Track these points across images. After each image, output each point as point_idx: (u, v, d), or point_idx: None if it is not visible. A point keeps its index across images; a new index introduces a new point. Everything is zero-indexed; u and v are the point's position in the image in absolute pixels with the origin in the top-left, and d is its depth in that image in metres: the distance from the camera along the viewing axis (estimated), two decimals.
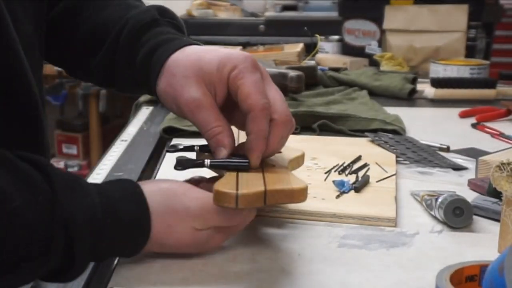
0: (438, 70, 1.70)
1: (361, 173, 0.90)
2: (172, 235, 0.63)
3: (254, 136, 0.65)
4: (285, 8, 2.69)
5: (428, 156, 1.02)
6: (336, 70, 1.73)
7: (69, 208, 0.56)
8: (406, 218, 0.77)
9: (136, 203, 0.61)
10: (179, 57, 0.70)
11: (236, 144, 0.70)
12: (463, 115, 1.36)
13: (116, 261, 0.65)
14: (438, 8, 1.97)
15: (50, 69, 2.70)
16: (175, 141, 1.11)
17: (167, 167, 0.97)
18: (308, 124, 1.21)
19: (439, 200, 0.75)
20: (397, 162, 0.99)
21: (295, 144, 1.05)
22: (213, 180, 0.67)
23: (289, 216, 0.76)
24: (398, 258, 0.66)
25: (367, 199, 0.81)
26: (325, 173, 0.90)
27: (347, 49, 2.11)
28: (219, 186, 0.60)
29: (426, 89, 1.58)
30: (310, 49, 2.00)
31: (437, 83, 1.57)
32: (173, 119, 1.20)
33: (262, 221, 0.75)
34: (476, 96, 1.54)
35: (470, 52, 1.98)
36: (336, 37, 2.13)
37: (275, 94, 0.68)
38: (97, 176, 0.93)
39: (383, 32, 2.04)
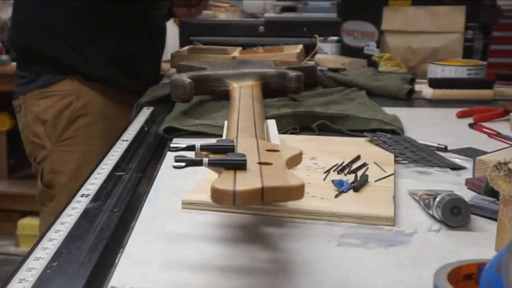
0: (436, 70, 1.70)
1: (360, 173, 0.90)
2: None
3: None
4: (285, 9, 2.69)
5: (426, 156, 1.02)
6: (335, 70, 1.73)
7: None
8: (404, 217, 0.77)
9: None
10: None
11: (235, 142, 0.70)
12: (460, 115, 1.36)
13: (117, 260, 0.65)
14: (436, 9, 1.97)
15: None
16: (175, 141, 1.11)
17: (167, 166, 0.98)
18: (307, 124, 1.21)
19: (437, 199, 0.75)
20: (396, 161, 0.99)
21: (295, 143, 1.05)
22: None
23: (288, 215, 0.76)
24: (397, 257, 0.66)
25: (365, 199, 0.81)
26: (324, 172, 0.90)
27: (346, 50, 2.11)
28: (216, 183, 0.60)
29: (424, 89, 1.58)
30: (309, 50, 2.00)
31: (435, 83, 1.57)
32: (173, 119, 1.20)
33: (262, 220, 0.75)
34: (474, 97, 1.54)
35: (468, 53, 1.98)
36: (335, 38, 2.13)
37: None
38: (99, 175, 0.93)
39: (381, 33, 2.04)
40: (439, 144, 1.08)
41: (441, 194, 0.75)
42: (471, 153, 1.03)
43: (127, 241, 0.70)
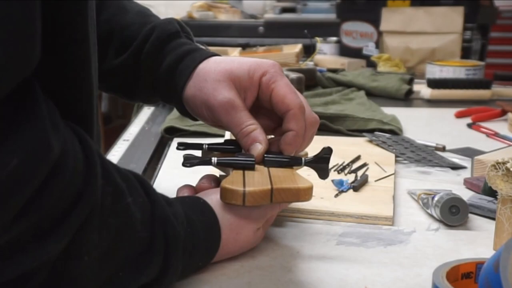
0: (434, 71, 1.71)
1: (360, 173, 0.90)
2: (238, 241, 0.63)
3: (295, 133, 0.67)
4: (284, 10, 2.69)
5: (427, 156, 1.02)
6: (334, 71, 1.73)
7: (165, 211, 0.56)
8: (403, 216, 0.77)
9: (207, 214, 0.62)
10: (209, 64, 0.71)
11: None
12: (458, 115, 1.36)
13: None
14: (434, 10, 1.97)
15: None
16: (176, 140, 1.11)
17: (168, 166, 0.97)
18: None
19: (436, 198, 0.75)
20: (397, 161, 0.99)
21: None
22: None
23: (289, 215, 0.76)
24: (396, 256, 0.66)
25: (365, 198, 0.81)
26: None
27: (344, 51, 2.12)
28: (226, 183, 0.60)
29: (422, 89, 1.58)
30: (309, 51, 2.00)
31: (433, 83, 1.57)
32: (174, 119, 1.20)
33: None
34: (472, 97, 1.54)
35: (466, 53, 1.99)
36: (334, 38, 2.13)
37: (301, 96, 0.71)
38: None
39: (380, 33, 2.04)
40: (437, 144, 1.08)
41: (439, 194, 0.75)
42: (469, 152, 1.04)
43: None
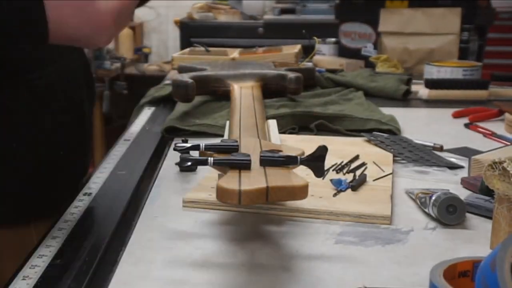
0: (432, 71, 1.70)
1: (358, 172, 0.90)
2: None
3: None
4: (283, 11, 2.69)
5: (424, 156, 1.02)
6: (333, 71, 1.73)
7: None
8: (401, 215, 0.78)
9: None
10: None
11: (239, 142, 0.70)
12: (456, 116, 1.36)
13: (119, 258, 0.65)
14: (432, 11, 1.97)
15: None
16: (176, 140, 1.11)
17: (168, 165, 0.98)
18: (306, 124, 1.21)
19: (433, 198, 0.75)
20: (395, 161, 0.99)
21: (295, 143, 1.05)
22: None
23: (287, 214, 0.76)
24: (393, 255, 0.67)
25: (363, 198, 0.81)
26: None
27: (343, 51, 2.11)
28: (222, 183, 0.60)
29: (420, 90, 1.58)
30: (308, 51, 2.00)
31: (431, 84, 1.57)
32: (174, 119, 1.20)
33: (261, 218, 0.76)
34: (469, 97, 1.54)
35: (463, 54, 1.98)
36: (333, 39, 2.13)
37: None
38: (101, 174, 0.93)
39: (378, 34, 2.04)
40: (435, 144, 1.08)
41: (437, 193, 0.75)
42: (466, 152, 1.04)
43: (129, 239, 0.70)
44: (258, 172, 0.64)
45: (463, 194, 0.81)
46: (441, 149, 1.07)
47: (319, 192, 0.81)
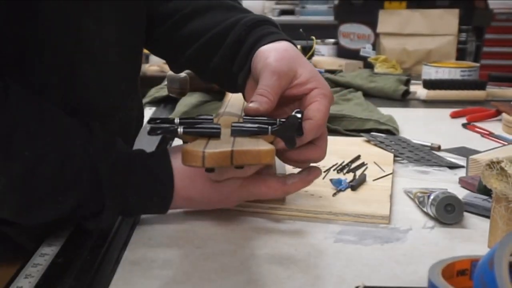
0: (430, 72, 1.71)
1: (358, 172, 0.90)
2: (195, 187, 0.68)
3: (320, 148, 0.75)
4: (283, 12, 2.70)
5: (425, 156, 1.02)
6: (332, 72, 1.73)
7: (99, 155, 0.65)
8: (399, 214, 0.77)
9: (158, 158, 0.68)
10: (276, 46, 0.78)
11: (217, 119, 0.71)
12: (454, 116, 1.36)
13: (120, 257, 0.65)
14: (430, 12, 1.97)
15: None
16: (176, 140, 1.11)
17: None
18: None
19: (431, 197, 0.75)
20: (395, 161, 0.99)
21: None
22: None
23: (287, 213, 0.76)
24: (392, 253, 0.67)
25: (362, 197, 0.81)
26: (324, 171, 0.90)
27: (342, 52, 2.12)
28: (187, 146, 0.60)
29: (418, 90, 1.58)
30: (306, 51, 2.00)
31: (429, 84, 1.57)
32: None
33: (261, 218, 0.76)
34: (467, 97, 1.54)
35: (461, 54, 1.99)
36: (332, 40, 2.14)
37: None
38: None
39: (377, 35, 2.04)
40: (432, 144, 1.08)
41: (435, 192, 0.75)
42: (464, 152, 1.04)
43: (130, 238, 0.70)
44: (226, 139, 0.64)
45: (461, 193, 0.80)
46: (438, 149, 1.07)
47: (319, 192, 0.81)
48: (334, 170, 0.91)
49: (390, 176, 0.89)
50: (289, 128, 0.67)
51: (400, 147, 1.05)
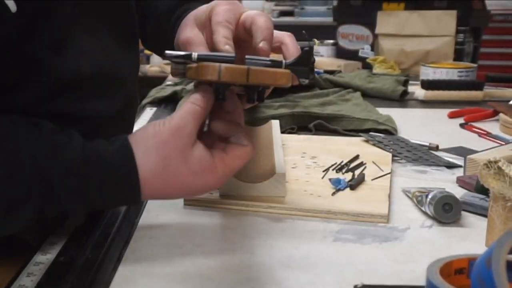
0: (428, 72, 1.71)
1: (357, 172, 0.90)
2: (169, 168, 0.62)
3: (262, 27, 0.70)
4: (282, 13, 2.70)
5: (423, 155, 1.02)
6: (331, 72, 1.73)
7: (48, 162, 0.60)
8: (398, 213, 0.77)
9: (118, 151, 0.62)
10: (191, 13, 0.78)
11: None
12: (452, 116, 1.36)
13: (121, 255, 0.65)
14: (428, 13, 1.97)
15: None
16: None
17: None
18: (304, 124, 1.21)
19: (429, 196, 0.75)
20: (394, 161, 0.99)
21: (297, 143, 1.05)
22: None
23: (286, 213, 0.76)
24: (391, 252, 0.67)
25: (361, 197, 0.81)
26: (323, 171, 0.90)
27: (341, 53, 2.12)
28: (203, 62, 0.60)
29: (416, 90, 1.58)
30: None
31: (427, 85, 1.57)
32: None
33: (261, 217, 0.76)
34: (464, 98, 1.54)
35: (459, 55, 1.99)
36: (331, 41, 2.13)
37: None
38: None
39: (375, 36, 2.04)
40: (430, 143, 1.08)
41: (433, 192, 0.75)
42: (462, 152, 1.04)
43: (131, 237, 0.70)
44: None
45: (459, 192, 0.80)
46: (436, 148, 1.07)
47: (318, 191, 0.81)
48: (333, 169, 0.91)
49: (389, 175, 0.89)
50: (302, 62, 0.67)
51: (399, 147, 1.05)
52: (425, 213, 0.77)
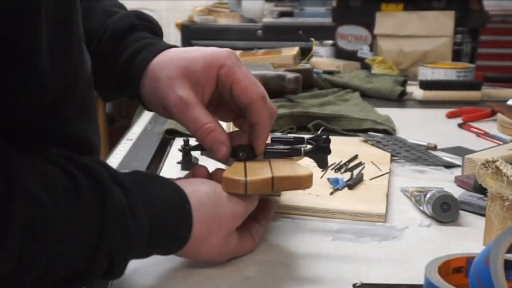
0: (427, 73, 1.70)
1: (355, 171, 0.90)
2: (207, 243, 0.60)
3: (261, 125, 0.64)
4: (282, 14, 2.69)
5: (422, 155, 1.02)
6: (330, 73, 1.73)
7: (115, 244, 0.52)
8: (396, 213, 0.77)
9: (181, 221, 0.59)
10: (162, 60, 0.66)
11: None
12: (450, 116, 1.36)
13: None
14: (426, 14, 1.97)
15: None
16: (177, 140, 1.11)
17: (170, 164, 0.97)
18: (304, 124, 1.21)
19: (428, 196, 0.75)
20: (392, 160, 0.99)
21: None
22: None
23: (286, 212, 0.76)
24: (389, 251, 0.66)
25: (359, 196, 0.81)
26: (322, 171, 0.90)
27: (340, 53, 2.11)
28: (228, 173, 0.60)
29: (415, 91, 1.58)
30: (305, 53, 2.00)
31: (426, 85, 1.57)
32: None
33: None
34: (462, 98, 1.54)
35: (457, 56, 1.99)
36: (330, 41, 2.13)
37: (261, 86, 0.67)
38: None
39: (374, 37, 2.04)
40: (428, 143, 1.08)
41: (431, 191, 0.75)
42: (460, 151, 1.04)
43: None
44: (263, 163, 0.64)
45: (457, 192, 0.81)
46: (435, 148, 1.07)
47: (317, 191, 0.81)
48: (331, 169, 0.91)
49: (387, 175, 0.89)
50: (321, 149, 0.68)
51: (397, 146, 1.05)
52: (423, 212, 0.77)
